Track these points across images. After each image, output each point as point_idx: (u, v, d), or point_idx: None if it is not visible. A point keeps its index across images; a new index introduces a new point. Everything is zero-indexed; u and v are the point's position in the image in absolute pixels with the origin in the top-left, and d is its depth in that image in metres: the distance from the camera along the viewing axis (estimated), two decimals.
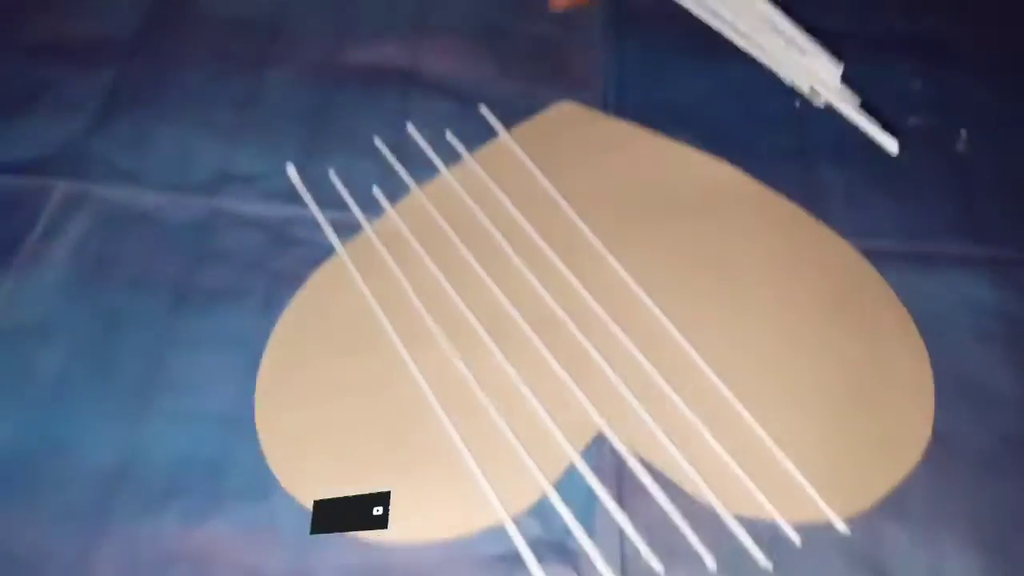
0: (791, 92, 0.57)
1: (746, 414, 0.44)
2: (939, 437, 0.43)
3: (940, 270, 0.49)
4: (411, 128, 0.55)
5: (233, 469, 0.42)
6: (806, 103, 0.56)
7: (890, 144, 0.53)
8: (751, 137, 0.55)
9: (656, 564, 0.40)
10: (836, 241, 0.50)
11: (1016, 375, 0.45)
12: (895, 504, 0.41)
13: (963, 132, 0.55)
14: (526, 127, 0.55)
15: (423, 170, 0.53)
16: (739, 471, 0.42)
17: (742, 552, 0.40)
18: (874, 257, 0.49)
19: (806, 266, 0.49)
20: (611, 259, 0.49)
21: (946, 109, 0.56)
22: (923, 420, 0.44)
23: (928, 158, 0.54)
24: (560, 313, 0.47)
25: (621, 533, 0.41)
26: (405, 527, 0.40)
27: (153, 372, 0.45)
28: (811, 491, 0.41)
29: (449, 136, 0.54)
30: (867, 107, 0.55)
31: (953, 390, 0.45)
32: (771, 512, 0.41)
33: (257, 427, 0.43)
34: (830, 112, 0.55)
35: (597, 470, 0.42)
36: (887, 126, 0.54)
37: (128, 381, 0.44)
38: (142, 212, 0.51)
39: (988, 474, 0.42)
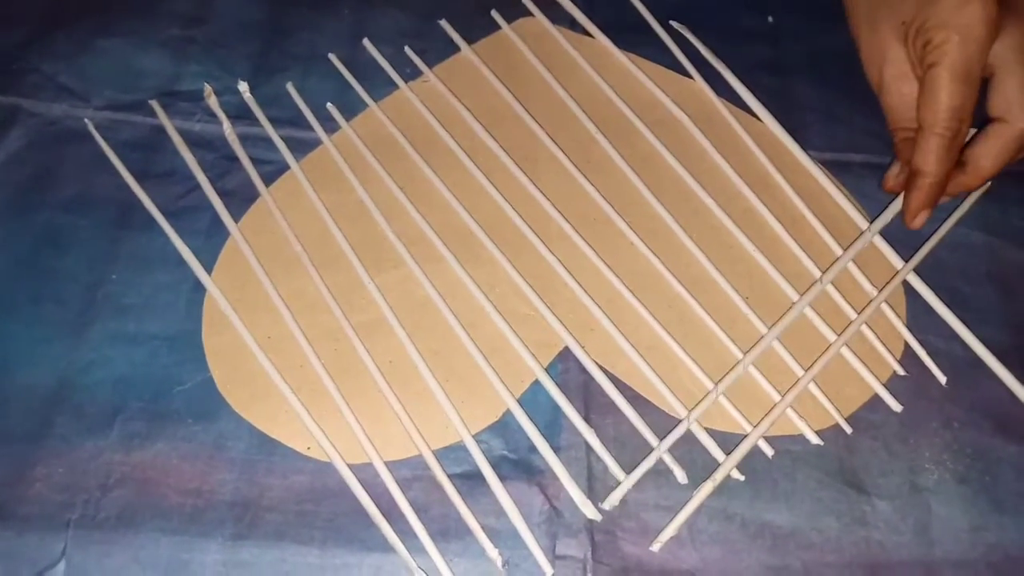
0: (764, 7, 0.55)
1: (715, 327, 0.42)
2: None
3: None
4: (368, 44, 0.52)
5: (179, 390, 0.40)
6: (779, 17, 0.54)
7: None
8: (724, 53, 0.52)
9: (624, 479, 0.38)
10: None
11: (992, 281, 0.44)
12: (870, 416, 0.40)
13: None
14: (489, 42, 0.52)
15: (381, 87, 0.50)
16: (710, 384, 0.40)
17: (713, 465, 0.39)
18: (848, 169, 0.48)
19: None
20: (576, 173, 0.47)
21: None
22: (896, 331, 0.42)
23: None
24: (524, 228, 0.45)
25: (588, 449, 0.39)
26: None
27: (95, 293, 0.42)
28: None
29: (408, 51, 0.52)
30: None
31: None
32: (743, 425, 0.40)
33: (205, 347, 0.41)
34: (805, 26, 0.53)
35: (562, 385, 0.41)
36: None
37: (68, 302, 0.42)
38: (82, 129, 0.48)
39: (964, 381, 0.41)
